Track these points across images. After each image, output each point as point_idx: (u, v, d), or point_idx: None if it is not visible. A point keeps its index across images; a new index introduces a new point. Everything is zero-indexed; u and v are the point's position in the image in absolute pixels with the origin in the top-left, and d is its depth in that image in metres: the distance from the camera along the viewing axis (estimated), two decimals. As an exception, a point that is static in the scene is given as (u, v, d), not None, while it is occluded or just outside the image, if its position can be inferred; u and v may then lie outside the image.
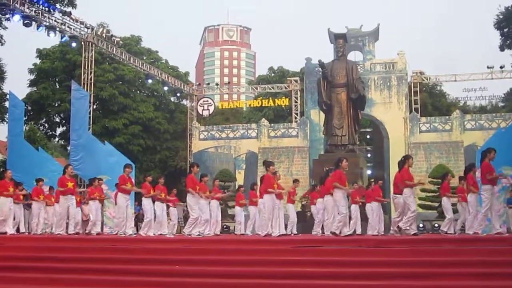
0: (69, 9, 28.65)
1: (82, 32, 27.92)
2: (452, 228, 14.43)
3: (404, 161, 12.43)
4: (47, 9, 25.41)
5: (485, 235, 11.37)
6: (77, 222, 15.89)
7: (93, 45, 28.94)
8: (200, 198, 13.66)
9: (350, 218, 13.45)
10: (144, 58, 39.44)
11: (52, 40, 32.11)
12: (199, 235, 13.31)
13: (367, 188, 17.08)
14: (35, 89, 38.05)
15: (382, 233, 15.02)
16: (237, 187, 31.69)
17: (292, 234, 15.39)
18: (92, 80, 29.03)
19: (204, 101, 38.41)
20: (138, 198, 18.18)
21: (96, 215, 16.01)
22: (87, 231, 16.02)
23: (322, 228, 14.95)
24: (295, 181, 17.53)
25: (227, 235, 16.00)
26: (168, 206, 16.71)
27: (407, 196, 12.10)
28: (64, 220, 14.61)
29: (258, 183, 14.08)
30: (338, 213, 12.35)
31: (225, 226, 23.01)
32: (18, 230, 16.17)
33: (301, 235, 15.07)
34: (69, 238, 13.15)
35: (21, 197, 16.63)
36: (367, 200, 15.83)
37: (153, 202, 15.01)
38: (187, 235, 13.50)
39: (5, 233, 14.87)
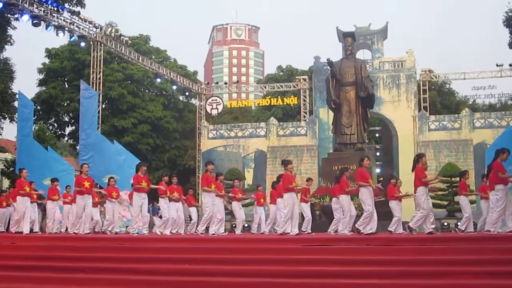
0: (77, 8, 28.72)
1: (90, 32, 28.06)
2: (470, 227, 14.30)
3: (418, 160, 12.36)
4: (55, 8, 25.54)
5: (496, 233, 11.31)
6: (95, 221, 15.94)
7: (102, 45, 29.08)
8: (215, 196, 13.74)
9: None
10: (153, 57, 39.58)
11: (61, 40, 32.38)
12: (214, 234, 13.34)
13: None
14: (44, 88, 38.29)
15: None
16: (245, 186, 31.99)
17: (307, 232, 15.35)
18: (101, 80, 29.15)
19: (212, 100, 38.46)
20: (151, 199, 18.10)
21: (113, 215, 16.01)
22: (103, 230, 16.07)
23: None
24: (309, 179, 17.42)
25: (236, 234, 15.98)
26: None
27: (420, 195, 12.06)
28: (80, 219, 14.61)
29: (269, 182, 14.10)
30: (365, 211, 12.49)
31: (234, 225, 22.99)
32: (31, 230, 16.19)
33: (314, 234, 15.01)
34: (81, 238, 13.17)
35: (35, 196, 16.67)
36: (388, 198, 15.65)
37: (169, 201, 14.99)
38: (200, 233, 13.58)
39: (21, 232, 14.97)
